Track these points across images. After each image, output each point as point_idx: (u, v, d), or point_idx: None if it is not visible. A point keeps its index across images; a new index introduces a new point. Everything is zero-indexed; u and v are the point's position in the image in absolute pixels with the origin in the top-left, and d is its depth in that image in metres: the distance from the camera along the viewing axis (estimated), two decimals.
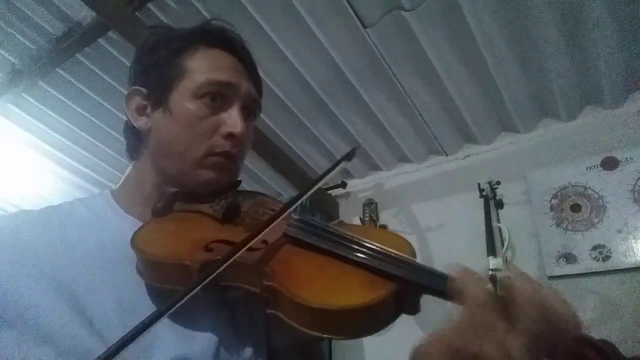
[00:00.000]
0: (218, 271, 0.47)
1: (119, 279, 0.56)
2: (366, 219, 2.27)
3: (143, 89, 0.68)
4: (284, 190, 2.50)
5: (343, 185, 2.46)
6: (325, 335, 0.46)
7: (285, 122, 2.12)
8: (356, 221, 2.32)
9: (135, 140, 0.70)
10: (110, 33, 1.77)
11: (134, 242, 0.57)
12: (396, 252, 0.52)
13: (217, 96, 0.65)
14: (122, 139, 0.73)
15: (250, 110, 0.71)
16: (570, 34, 1.56)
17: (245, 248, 0.50)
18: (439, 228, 2.13)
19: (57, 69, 1.95)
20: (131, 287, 0.56)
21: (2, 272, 0.52)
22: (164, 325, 0.53)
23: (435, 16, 1.53)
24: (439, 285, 0.47)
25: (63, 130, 2.32)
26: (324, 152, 2.32)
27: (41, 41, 1.85)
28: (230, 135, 0.65)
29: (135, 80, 0.70)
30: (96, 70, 1.96)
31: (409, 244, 0.57)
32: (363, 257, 0.51)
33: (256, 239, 0.52)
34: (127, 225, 0.63)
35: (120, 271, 0.57)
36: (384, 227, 2.27)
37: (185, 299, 0.44)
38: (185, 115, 0.64)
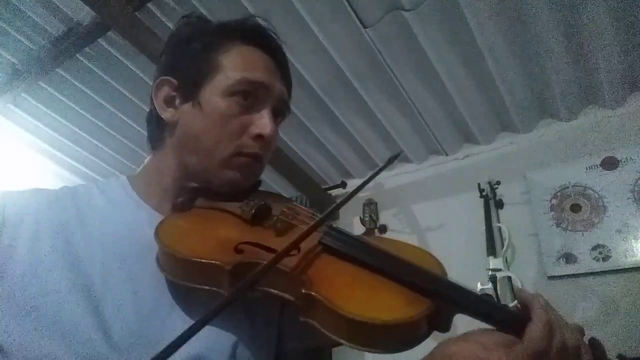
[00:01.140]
0: (259, 275, 0.46)
1: (136, 271, 0.55)
2: (366, 219, 2.27)
3: (173, 80, 0.66)
4: (284, 190, 2.50)
5: (343, 185, 2.46)
6: (361, 348, 0.45)
7: (285, 122, 2.10)
8: (356, 221, 2.32)
9: (159, 130, 0.68)
10: (110, 33, 1.77)
11: (159, 236, 0.55)
12: (430, 268, 0.51)
13: (249, 95, 0.64)
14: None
15: (279, 112, 0.70)
16: (570, 34, 1.56)
17: (287, 254, 0.50)
18: (439, 228, 2.13)
19: (57, 69, 1.95)
20: (148, 279, 0.55)
21: (21, 252, 0.50)
22: (179, 323, 0.52)
23: (435, 16, 1.53)
24: (477, 305, 0.47)
25: (63, 130, 2.31)
26: (324, 152, 2.32)
27: (41, 41, 1.85)
28: (259, 137, 0.63)
29: (165, 70, 0.68)
30: (96, 70, 1.96)
31: (440, 263, 0.56)
32: (402, 272, 0.50)
33: (296, 245, 0.51)
34: (144, 215, 0.62)
35: (137, 262, 0.56)
36: (384, 227, 2.27)
37: (229, 302, 0.43)
38: (215, 111, 0.63)
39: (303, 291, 0.48)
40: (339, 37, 1.65)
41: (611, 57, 1.60)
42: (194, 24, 0.70)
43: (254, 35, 0.68)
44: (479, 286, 1.80)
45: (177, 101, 0.66)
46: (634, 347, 1.50)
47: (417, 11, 1.51)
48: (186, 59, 0.66)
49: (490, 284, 1.77)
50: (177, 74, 0.67)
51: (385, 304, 0.48)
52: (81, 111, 2.18)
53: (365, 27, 1.60)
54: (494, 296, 1.72)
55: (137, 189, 0.66)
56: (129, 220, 0.61)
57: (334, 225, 0.60)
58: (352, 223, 2.36)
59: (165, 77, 0.67)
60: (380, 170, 0.69)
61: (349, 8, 1.53)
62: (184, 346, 0.50)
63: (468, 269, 1.85)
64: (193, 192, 0.65)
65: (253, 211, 0.61)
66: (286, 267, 0.51)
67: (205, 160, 0.63)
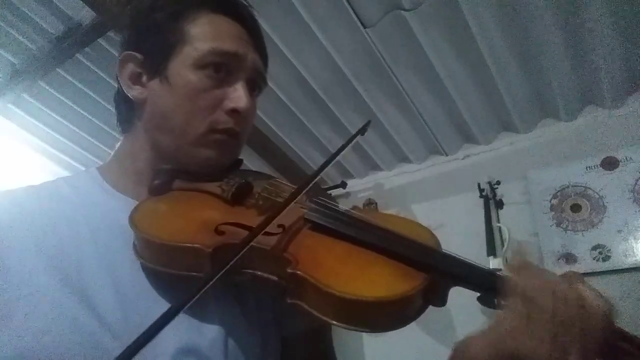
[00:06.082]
0: (238, 257, 0.43)
1: (114, 261, 0.52)
2: None
3: (138, 55, 0.62)
4: None
5: (343, 185, 2.46)
6: (353, 328, 0.43)
7: (285, 122, 2.12)
8: None
9: (128, 111, 0.65)
10: (110, 33, 1.77)
11: (134, 221, 0.52)
12: (423, 241, 0.49)
13: (221, 67, 0.60)
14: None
15: (255, 84, 0.65)
16: (570, 34, 1.56)
17: (263, 231, 0.46)
18: (439, 228, 2.12)
19: (57, 69, 1.96)
20: (127, 268, 0.52)
21: None
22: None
23: (435, 16, 1.53)
24: (474, 276, 0.46)
25: (63, 130, 2.32)
26: (324, 151, 2.32)
27: (41, 41, 1.85)
28: (234, 111, 0.60)
29: (129, 45, 0.63)
30: (96, 70, 1.96)
31: (433, 234, 0.53)
32: (394, 245, 0.47)
33: (274, 220, 0.48)
34: (117, 203, 0.59)
35: (113, 252, 0.53)
36: None
37: (207, 287, 0.40)
38: (185, 86, 0.59)
39: (289, 271, 0.45)
40: (339, 37, 1.65)
41: (611, 57, 1.60)
42: None
43: (223, 2, 0.63)
44: None
45: (144, 78, 0.62)
46: None
47: (417, 11, 1.51)
48: (150, 31, 0.62)
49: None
50: (142, 48, 0.62)
51: (379, 280, 0.45)
52: (81, 111, 2.19)
53: (365, 27, 1.59)
54: None
55: (108, 178, 0.63)
56: (101, 211, 0.57)
57: (320, 199, 0.58)
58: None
59: (130, 52, 0.62)
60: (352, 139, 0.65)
61: (349, 8, 1.53)
62: (175, 337, 0.48)
63: None
64: (170, 173, 0.61)
65: (233, 190, 0.58)
66: (268, 246, 0.48)
67: (177, 139, 0.60)
